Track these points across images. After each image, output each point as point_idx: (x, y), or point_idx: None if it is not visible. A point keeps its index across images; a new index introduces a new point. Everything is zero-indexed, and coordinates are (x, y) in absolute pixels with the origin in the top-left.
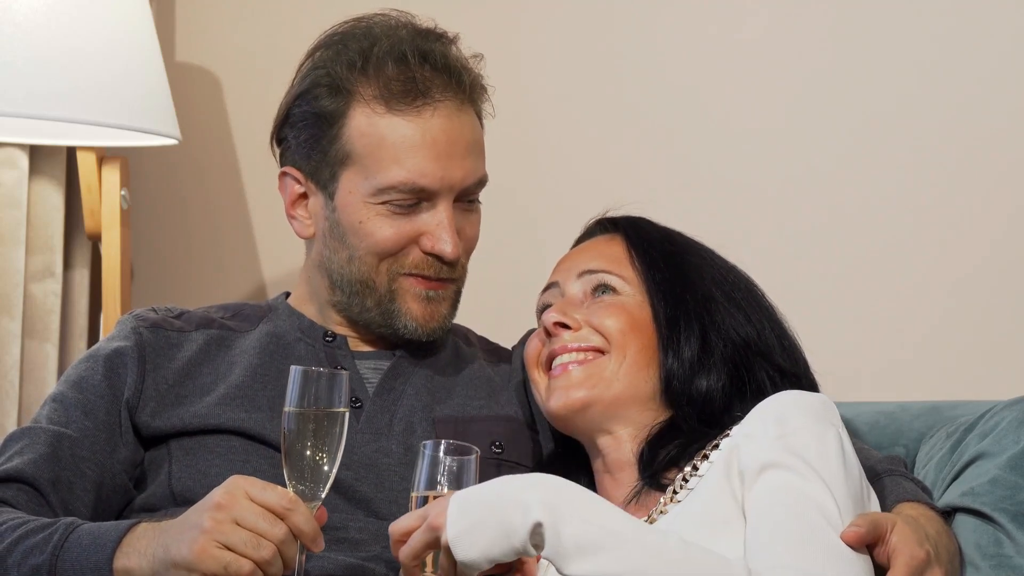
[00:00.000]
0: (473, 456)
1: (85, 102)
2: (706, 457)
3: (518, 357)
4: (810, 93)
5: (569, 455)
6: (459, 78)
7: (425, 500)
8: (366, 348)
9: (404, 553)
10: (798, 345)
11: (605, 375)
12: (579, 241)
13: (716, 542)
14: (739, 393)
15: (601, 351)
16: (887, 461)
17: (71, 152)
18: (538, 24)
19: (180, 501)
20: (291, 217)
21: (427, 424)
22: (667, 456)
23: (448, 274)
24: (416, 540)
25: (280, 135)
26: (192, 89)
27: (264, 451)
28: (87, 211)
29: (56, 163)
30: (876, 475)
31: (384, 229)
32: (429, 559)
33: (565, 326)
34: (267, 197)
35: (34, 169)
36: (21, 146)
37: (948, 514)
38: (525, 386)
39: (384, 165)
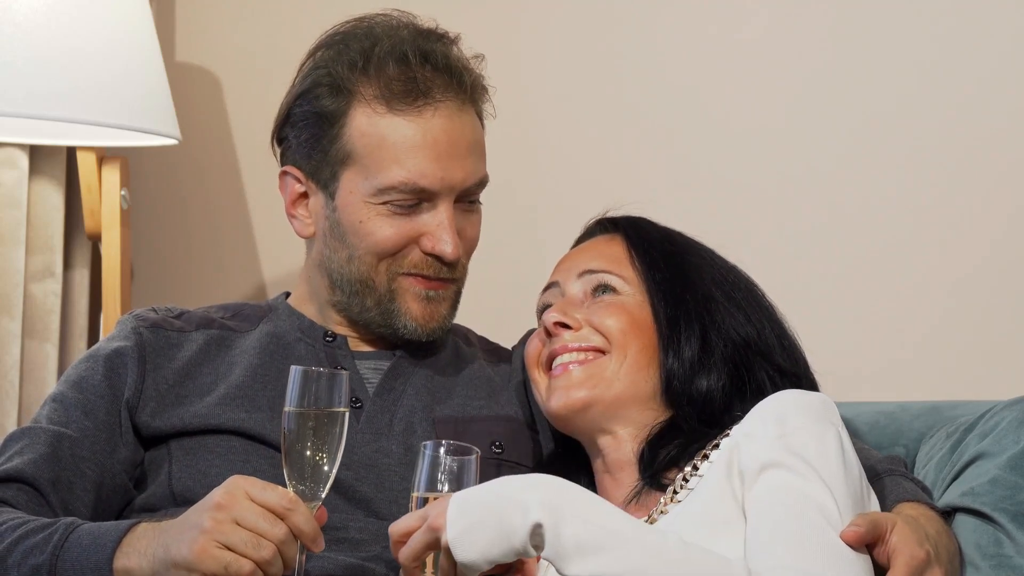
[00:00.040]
0: (473, 456)
1: (85, 102)
2: (706, 457)
3: (518, 357)
4: (810, 93)
5: (569, 455)
6: (460, 78)
7: (425, 501)
8: (366, 348)
9: (404, 554)
10: (798, 345)
11: (606, 375)
12: (579, 241)
13: (716, 542)
14: (739, 393)
15: (601, 351)
16: (887, 461)
17: (71, 152)
18: (538, 24)
19: (180, 501)
20: (291, 216)
21: (427, 424)
22: (667, 456)
23: (448, 274)
24: (416, 541)
25: (281, 135)
26: (192, 89)
27: (264, 451)
28: (87, 211)
29: (56, 163)
30: (876, 475)
31: (384, 229)
32: (429, 560)
33: (565, 326)
34: (267, 197)
35: (34, 169)
36: (21, 146)
37: (948, 514)
38: (525, 386)
39: (385, 165)
